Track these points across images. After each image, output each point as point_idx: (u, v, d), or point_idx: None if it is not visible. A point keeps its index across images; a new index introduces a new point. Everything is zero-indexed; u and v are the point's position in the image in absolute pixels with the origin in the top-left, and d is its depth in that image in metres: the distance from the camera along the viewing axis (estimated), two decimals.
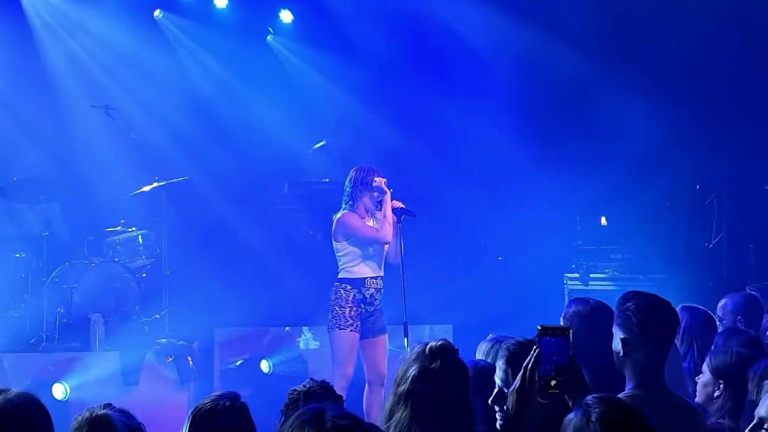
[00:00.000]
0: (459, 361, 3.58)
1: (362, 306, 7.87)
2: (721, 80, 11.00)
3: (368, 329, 7.91)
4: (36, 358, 8.96)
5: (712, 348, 5.01)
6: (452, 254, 11.36)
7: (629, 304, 3.96)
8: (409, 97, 11.68)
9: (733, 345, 4.83)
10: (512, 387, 3.18)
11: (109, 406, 3.49)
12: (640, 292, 4.08)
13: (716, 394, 4.48)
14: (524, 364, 3.14)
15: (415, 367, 3.51)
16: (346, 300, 7.83)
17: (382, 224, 7.82)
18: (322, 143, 11.15)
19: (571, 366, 3.11)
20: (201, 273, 10.60)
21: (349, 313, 7.80)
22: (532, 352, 3.13)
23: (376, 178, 7.89)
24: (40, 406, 3.36)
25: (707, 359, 4.69)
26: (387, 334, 8.05)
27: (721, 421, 4.41)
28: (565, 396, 3.15)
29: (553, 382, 3.06)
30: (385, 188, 7.89)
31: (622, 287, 9.70)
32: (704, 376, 4.64)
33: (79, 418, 3.43)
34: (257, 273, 10.81)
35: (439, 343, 3.59)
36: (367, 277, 7.90)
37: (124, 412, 3.48)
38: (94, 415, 3.40)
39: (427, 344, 3.59)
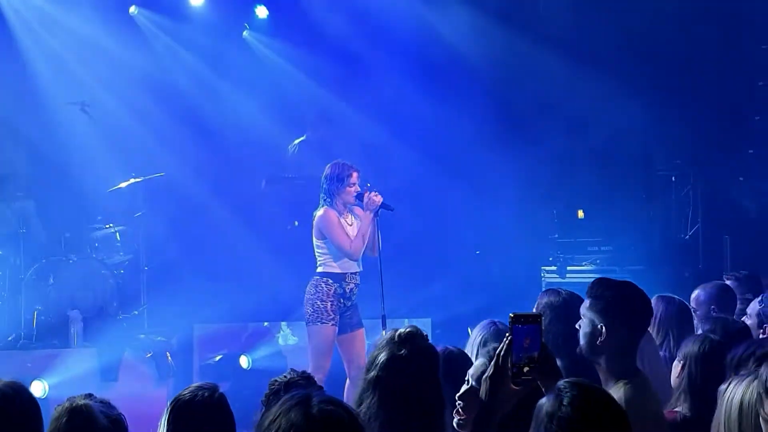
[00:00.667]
0: (428, 347, 3.57)
1: (341, 300, 7.92)
2: (695, 73, 11.07)
3: (346, 324, 7.97)
4: (14, 355, 8.95)
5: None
6: (430, 249, 11.38)
7: (610, 292, 3.98)
8: (387, 92, 11.67)
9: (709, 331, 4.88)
10: (485, 374, 3.20)
11: (89, 396, 3.49)
12: (615, 280, 4.11)
13: (677, 374, 4.53)
14: (497, 352, 3.16)
15: (384, 353, 3.51)
16: (328, 294, 7.87)
17: (356, 239, 7.88)
18: (302, 138, 11.12)
19: (543, 353, 3.14)
20: (179, 269, 10.60)
21: (330, 307, 7.85)
22: (504, 339, 3.16)
23: (352, 173, 7.93)
24: (28, 396, 3.39)
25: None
26: (364, 328, 8.13)
27: (677, 409, 4.43)
28: (538, 383, 3.17)
29: (525, 369, 3.09)
30: (372, 199, 7.90)
31: None
32: (676, 361, 4.70)
33: (59, 408, 3.45)
34: (236, 268, 10.81)
35: (408, 329, 3.58)
36: (347, 273, 7.95)
37: (104, 403, 3.49)
38: (74, 405, 3.41)
39: (396, 331, 3.60)
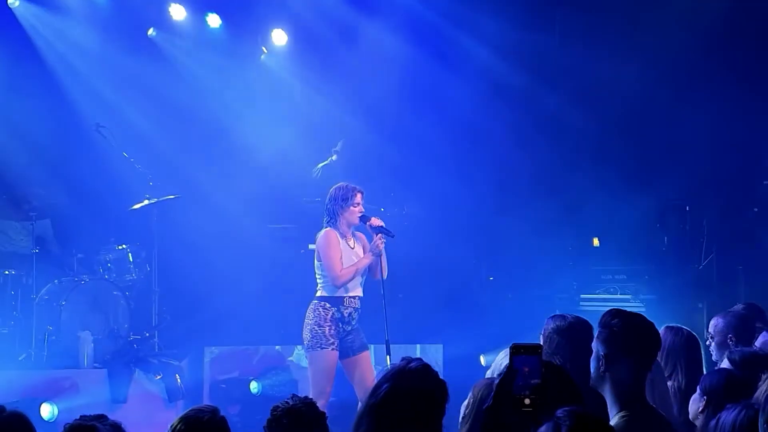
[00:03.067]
0: (437, 385, 3.54)
1: (340, 325, 7.81)
2: (711, 102, 11.03)
3: (348, 348, 7.87)
4: (24, 375, 8.94)
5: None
6: (443, 274, 11.35)
7: (615, 321, 3.98)
8: (404, 117, 11.70)
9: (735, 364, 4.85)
10: (485, 405, 3.18)
11: (101, 417, 3.50)
12: (625, 311, 4.11)
13: (700, 409, 4.49)
14: (498, 382, 3.14)
15: (388, 384, 3.49)
16: (325, 319, 7.76)
17: (347, 269, 7.77)
18: (326, 162, 11.10)
19: (544, 384, 3.13)
20: (191, 291, 10.60)
21: (329, 332, 7.74)
22: (505, 370, 3.14)
23: (356, 194, 7.88)
24: (30, 427, 3.40)
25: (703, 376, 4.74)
26: (369, 351, 8.04)
27: None
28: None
29: (527, 401, 3.07)
30: (377, 244, 7.85)
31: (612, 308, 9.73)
32: (696, 393, 4.67)
33: (67, 426, 3.48)
34: (248, 291, 10.80)
35: (420, 364, 3.56)
36: (345, 296, 7.84)
37: (115, 426, 3.48)
38: (82, 424, 3.42)
39: (408, 362, 3.56)
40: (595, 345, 4.01)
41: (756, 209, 10.82)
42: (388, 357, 7.82)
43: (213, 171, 11.35)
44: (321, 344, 7.72)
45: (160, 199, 10.08)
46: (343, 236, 7.91)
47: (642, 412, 3.93)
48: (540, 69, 11.56)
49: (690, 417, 4.62)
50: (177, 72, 11.51)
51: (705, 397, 4.51)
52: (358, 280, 7.91)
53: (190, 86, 11.45)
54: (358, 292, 7.92)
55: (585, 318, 4.78)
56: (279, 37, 11.90)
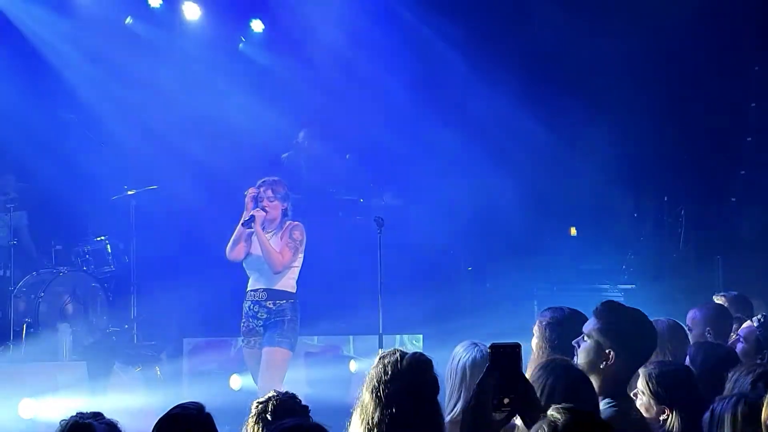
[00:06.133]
0: (434, 378, 3.55)
1: (249, 320, 7.76)
2: (689, 93, 11.10)
3: (253, 343, 7.79)
4: (2, 368, 8.86)
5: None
6: (422, 265, 11.36)
7: (615, 315, 4.03)
8: (384, 101, 11.68)
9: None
10: (466, 405, 3.20)
11: (97, 415, 3.48)
12: (628, 308, 4.14)
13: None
14: (478, 382, 3.16)
15: (385, 374, 3.49)
16: (243, 312, 7.83)
17: (236, 242, 7.76)
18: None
19: (523, 383, 3.14)
20: (170, 282, 10.54)
21: (242, 325, 7.83)
22: (485, 370, 3.15)
23: (250, 189, 7.78)
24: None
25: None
26: (269, 349, 7.64)
27: None
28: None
29: (506, 400, 3.09)
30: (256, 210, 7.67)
31: (591, 297, 9.77)
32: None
33: (64, 423, 3.45)
34: (226, 282, 10.74)
35: (417, 355, 3.56)
36: (249, 290, 7.81)
37: (111, 425, 3.47)
38: (78, 422, 3.40)
39: (404, 354, 3.56)
40: (594, 337, 4.01)
41: (734, 199, 10.90)
42: (381, 351, 7.77)
43: (191, 161, 11.28)
44: (242, 339, 7.87)
45: (140, 189, 10.03)
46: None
47: (626, 404, 3.98)
48: (518, 55, 11.53)
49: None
50: (155, 61, 11.42)
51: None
52: (261, 270, 7.74)
53: (169, 76, 11.35)
54: (260, 284, 7.76)
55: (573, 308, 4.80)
56: (257, 25, 11.89)
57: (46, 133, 10.67)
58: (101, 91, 10.97)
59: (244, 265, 7.87)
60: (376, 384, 3.45)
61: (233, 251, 7.77)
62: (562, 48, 11.21)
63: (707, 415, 3.71)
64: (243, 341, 7.87)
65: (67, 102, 10.66)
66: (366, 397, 3.45)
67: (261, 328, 7.66)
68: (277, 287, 7.68)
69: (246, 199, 7.76)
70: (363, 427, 3.40)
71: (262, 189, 7.70)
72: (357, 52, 11.58)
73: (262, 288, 7.68)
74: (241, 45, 12.04)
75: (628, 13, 11.05)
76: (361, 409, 3.45)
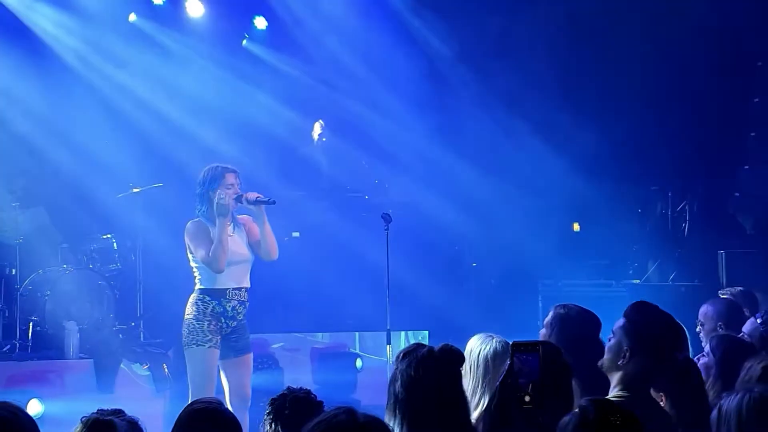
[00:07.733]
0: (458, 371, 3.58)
1: (222, 320, 6.97)
2: (692, 88, 11.11)
3: (230, 348, 7.02)
4: (9, 366, 8.90)
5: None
6: (427, 261, 11.37)
7: (641, 317, 4.07)
8: (388, 101, 11.70)
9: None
10: (488, 404, 3.23)
11: (118, 412, 3.45)
12: (657, 309, 4.16)
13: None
14: (500, 381, 3.19)
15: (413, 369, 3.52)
16: (204, 313, 6.95)
17: (215, 246, 6.87)
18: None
19: (543, 380, 3.18)
20: (176, 279, 10.54)
21: (208, 327, 6.93)
22: (506, 368, 3.19)
23: (226, 174, 7.00)
24: (27, 418, 3.33)
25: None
26: (251, 354, 7.19)
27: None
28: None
29: (527, 398, 3.12)
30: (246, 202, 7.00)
31: (595, 293, 9.82)
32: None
33: (85, 420, 3.40)
34: None
35: (448, 347, 3.59)
36: (228, 288, 7.00)
37: (132, 423, 3.43)
38: (100, 419, 3.38)
39: (431, 348, 3.58)
40: (618, 335, 4.07)
41: (737, 194, 10.92)
42: (388, 346, 7.80)
43: (196, 158, 11.26)
44: (197, 341, 6.92)
45: (146, 187, 10.04)
46: (213, 224, 6.99)
47: (641, 400, 3.99)
48: (510, 50, 11.54)
49: None
50: (161, 57, 11.42)
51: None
52: (243, 269, 7.09)
53: (174, 71, 11.35)
54: (244, 282, 7.09)
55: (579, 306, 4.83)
56: (260, 22, 11.91)
57: (51, 131, 10.67)
58: (106, 89, 10.97)
59: (232, 257, 7.03)
60: (409, 379, 3.48)
61: (224, 252, 6.90)
62: (566, 42, 11.25)
63: (715, 411, 3.74)
64: (216, 347, 6.95)
65: (73, 100, 10.64)
66: (401, 393, 3.48)
67: (239, 330, 7.05)
68: (247, 285, 7.16)
69: (233, 185, 6.99)
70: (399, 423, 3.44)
71: (236, 176, 7.06)
72: (360, 49, 11.59)
73: (244, 287, 7.08)
74: (244, 42, 12.05)
75: (629, 13, 11.07)
76: (395, 405, 3.47)
